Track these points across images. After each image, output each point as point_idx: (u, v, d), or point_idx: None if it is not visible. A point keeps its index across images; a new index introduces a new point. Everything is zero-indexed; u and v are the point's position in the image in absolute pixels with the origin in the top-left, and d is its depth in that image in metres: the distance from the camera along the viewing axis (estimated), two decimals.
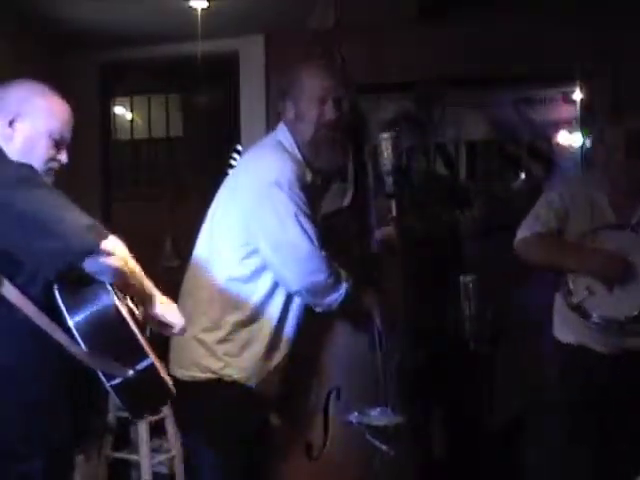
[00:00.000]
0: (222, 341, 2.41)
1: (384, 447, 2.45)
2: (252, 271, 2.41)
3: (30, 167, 1.92)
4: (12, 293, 1.81)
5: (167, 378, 1.97)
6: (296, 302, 2.46)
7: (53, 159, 2.03)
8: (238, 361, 2.42)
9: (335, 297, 2.41)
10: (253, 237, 2.39)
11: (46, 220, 1.76)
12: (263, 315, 2.43)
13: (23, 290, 1.83)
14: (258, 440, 2.45)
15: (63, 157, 2.05)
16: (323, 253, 2.39)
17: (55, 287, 1.83)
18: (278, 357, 2.47)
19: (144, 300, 1.96)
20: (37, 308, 1.82)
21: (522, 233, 3.00)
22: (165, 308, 2.01)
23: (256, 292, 2.42)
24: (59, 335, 1.80)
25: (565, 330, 3.00)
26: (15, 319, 1.83)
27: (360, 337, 2.56)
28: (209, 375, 2.41)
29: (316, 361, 2.57)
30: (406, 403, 2.52)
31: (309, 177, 2.46)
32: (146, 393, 1.90)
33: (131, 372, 1.81)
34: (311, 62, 2.58)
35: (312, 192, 2.46)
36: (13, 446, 1.90)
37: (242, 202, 2.41)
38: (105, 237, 1.80)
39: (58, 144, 2.04)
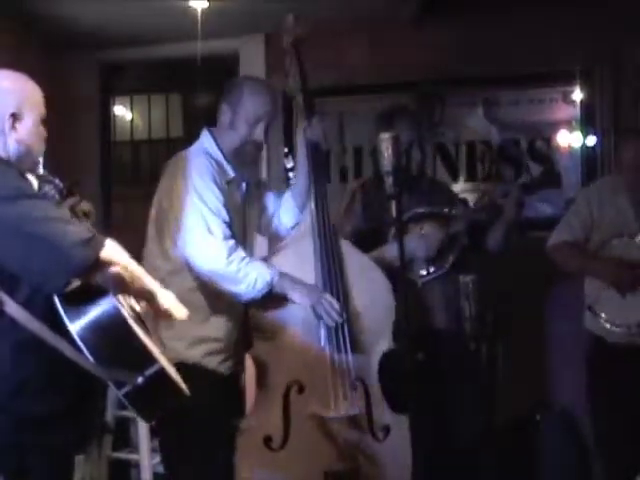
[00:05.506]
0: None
1: None
2: (180, 263, 2.55)
3: (25, 179, 1.92)
4: (16, 310, 1.81)
5: (178, 379, 1.97)
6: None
7: (44, 136, 2.05)
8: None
9: (244, 286, 2.51)
10: (167, 227, 2.55)
11: (43, 237, 1.76)
12: (195, 302, 2.53)
13: (26, 304, 1.83)
14: (218, 429, 2.54)
15: (45, 132, 2.07)
16: (229, 242, 2.52)
17: (56, 296, 1.83)
18: (223, 338, 2.61)
19: (146, 297, 1.99)
20: (41, 323, 1.81)
21: (553, 239, 3.23)
22: (165, 299, 2.03)
23: (183, 282, 2.53)
24: (65, 348, 1.80)
25: (589, 322, 3.16)
26: (20, 335, 1.83)
27: (315, 332, 2.63)
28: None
29: (272, 355, 2.62)
30: (406, 403, 2.52)
31: (229, 177, 2.63)
32: (157, 398, 1.89)
33: (140, 379, 1.81)
34: (257, 82, 2.77)
35: (233, 190, 2.65)
36: (19, 456, 1.91)
37: (164, 199, 2.59)
38: (102, 246, 1.81)
39: (43, 121, 2.06)
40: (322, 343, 2.63)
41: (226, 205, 2.56)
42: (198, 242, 2.51)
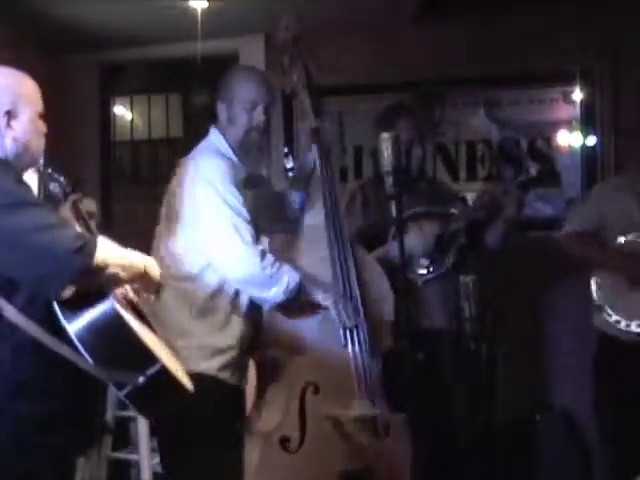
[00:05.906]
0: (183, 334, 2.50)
1: None
2: (198, 269, 2.50)
3: (22, 184, 1.91)
4: (14, 315, 1.81)
5: (180, 376, 1.96)
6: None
7: (43, 131, 2.04)
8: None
9: (277, 290, 2.48)
10: (191, 233, 2.50)
11: (39, 246, 1.76)
12: (215, 309, 2.52)
13: (26, 306, 1.83)
14: (232, 433, 2.53)
15: (44, 127, 2.05)
16: (258, 246, 2.50)
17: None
18: (235, 347, 2.55)
19: (140, 281, 2.01)
20: (40, 326, 1.81)
21: (565, 229, 3.24)
22: (154, 271, 2.05)
23: (202, 288, 2.50)
24: (64, 350, 1.80)
25: (599, 321, 3.14)
26: (19, 336, 1.83)
27: (329, 334, 2.62)
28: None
29: (287, 357, 2.62)
30: (406, 402, 2.53)
31: (242, 176, 2.60)
32: (159, 396, 1.89)
33: (141, 378, 1.80)
34: (242, 69, 2.81)
35: (245, 189, 2.59)
36: (20, 457, 1.91)
37: (180, 202, 2.53)
38: (95, 249, 1.81)
39: (41, 116, 2.04)
40: (342, 343, 2.62)
41: (244, 205, 2.53)
42: (230, 248, 2.46)
